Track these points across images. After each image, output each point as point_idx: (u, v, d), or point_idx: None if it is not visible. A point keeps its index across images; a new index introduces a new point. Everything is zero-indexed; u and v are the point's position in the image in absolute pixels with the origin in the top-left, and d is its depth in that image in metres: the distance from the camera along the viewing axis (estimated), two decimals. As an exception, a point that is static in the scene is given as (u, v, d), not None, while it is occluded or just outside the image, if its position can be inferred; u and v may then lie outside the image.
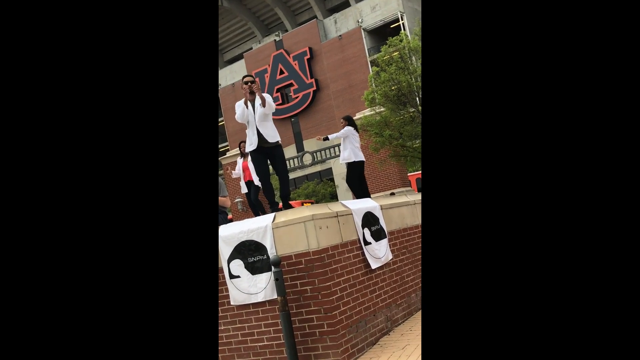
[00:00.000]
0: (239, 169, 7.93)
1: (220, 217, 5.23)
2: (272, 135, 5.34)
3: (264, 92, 5.53)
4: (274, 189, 5.72)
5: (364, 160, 7.49)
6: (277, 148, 5.42)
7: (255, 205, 7.67)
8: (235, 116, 5.37)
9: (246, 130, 5.42)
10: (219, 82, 38.19)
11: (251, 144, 5.33)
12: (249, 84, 5.28)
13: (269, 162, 5.56)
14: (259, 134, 5.27)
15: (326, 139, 7.90)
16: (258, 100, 5.28)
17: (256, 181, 7.46)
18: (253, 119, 5.27)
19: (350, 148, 7.31)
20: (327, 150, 20.39)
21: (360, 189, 7.38)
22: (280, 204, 5.57)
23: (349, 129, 7.34)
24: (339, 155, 19.65)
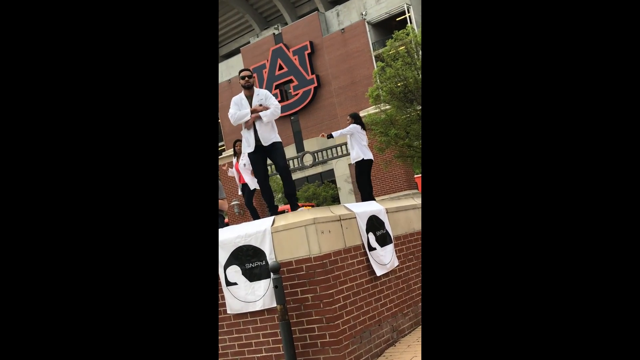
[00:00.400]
0: (234, 170, 7.95)
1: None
2: (270, 137, 5.29)
3: (262, 88, 5.50)
4: (272, 192, 5.69)
5: (372, 159, 7.54)
6: (275, 142, 5.37)
7: (251, 209, 7.69)
8: (229, 113, 5.25)
9: (241, 131, 5.36)
10: (215, 78, 38.31)
11: (249, 146, 5.29)
12: (246, 78, 5.26)
13: (268, 161, 5.52)
14: (257, 136, 5.23)
15: (330, 136, 7.96)
16: (256, 98, 5.24)
17: (251, 185, 7.47)
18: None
19: (357, 147, 7.40)
20: (329, 151, 20.31)
21: (366, 189, 7.43)
22: (281, 207, 5.55)
23: (354, 126, 7.44)
24: (341, 156, 19.67)
